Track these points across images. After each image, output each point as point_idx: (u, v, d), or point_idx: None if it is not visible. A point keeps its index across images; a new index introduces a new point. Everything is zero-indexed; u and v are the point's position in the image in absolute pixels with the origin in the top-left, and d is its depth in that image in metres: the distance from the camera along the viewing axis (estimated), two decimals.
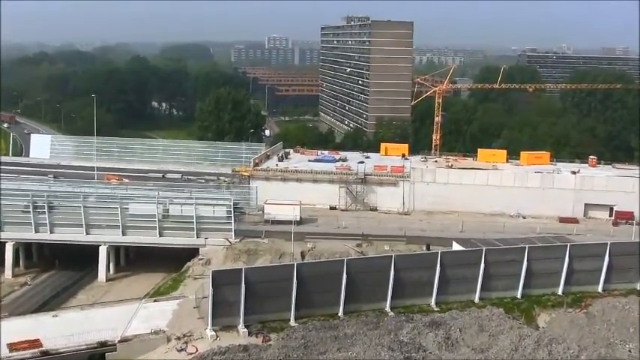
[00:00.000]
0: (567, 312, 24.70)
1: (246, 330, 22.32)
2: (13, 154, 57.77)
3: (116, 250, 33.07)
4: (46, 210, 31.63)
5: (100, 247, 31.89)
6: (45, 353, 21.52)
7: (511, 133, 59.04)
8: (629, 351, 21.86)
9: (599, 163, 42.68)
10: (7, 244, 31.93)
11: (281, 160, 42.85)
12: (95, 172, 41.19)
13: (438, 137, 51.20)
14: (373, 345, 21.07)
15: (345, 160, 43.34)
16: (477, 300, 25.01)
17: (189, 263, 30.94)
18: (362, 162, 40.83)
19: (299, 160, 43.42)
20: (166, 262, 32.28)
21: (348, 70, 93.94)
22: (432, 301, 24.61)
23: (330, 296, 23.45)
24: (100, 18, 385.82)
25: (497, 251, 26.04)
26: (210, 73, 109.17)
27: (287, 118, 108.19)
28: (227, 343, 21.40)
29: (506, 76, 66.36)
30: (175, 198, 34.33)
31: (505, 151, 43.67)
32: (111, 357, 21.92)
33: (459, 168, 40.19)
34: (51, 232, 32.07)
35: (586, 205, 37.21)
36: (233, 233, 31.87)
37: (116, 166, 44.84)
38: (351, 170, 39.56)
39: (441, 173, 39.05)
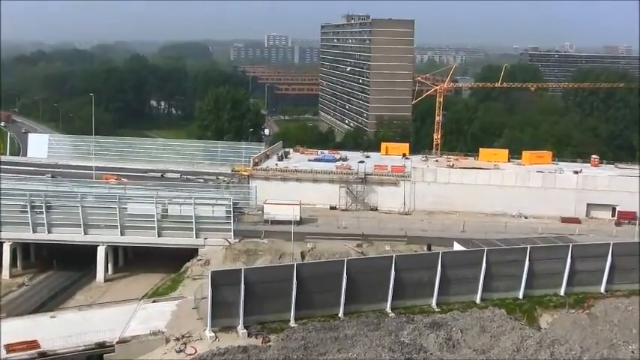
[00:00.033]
0: (570, 313, 24.58)
1: (245, 331, 22.20)
2: (11, 154, 57.66)
3: (114, 251, 32.96)
4: (43, 210, 31.51)
5: (99, 248, 31.79)
6: (43, 354, 21.39)
7: (513, 133, 58.86)
8: (632, 352, 21.73)
9: (602, 163, 42.53)
10: (4, 245, 31.82)
11: (281, 159, 42.73)
12: (93, 172, 41.06)
13: (439, 136, 51.00)
14: (374, 346, 20.96)
15: (345, 159, 43.26)
16: (478, 301, 24.89)
17: (188, 264, 30.81)
18: (362, 161, 40.69)
19: (299, 159, 43.34)
20: (165, 263, 32.17)
21: (349, 68, 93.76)
22: (433, 302, 24.49)
23: (331, 297, 23.34)
24: (99, 17, 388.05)
25: (498, 251, 25.91)
26: (209, 71, 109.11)
27: (287, 118, 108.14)
28: (226, 344, 21.28)
29: (507, 74, 65.78)
30: (174, 198, 34.24)
31: (507, 151, 43.55)
32: (109, 358, 21.80)
33: (460, 167, 40.08)
34: (49, 232, 31.96)
35: (588, 205, 37.11)
36: (232, 233, 31.76)
37: (114, 166, 44.69)
38: (351, 170, 39.46)
39: (442, 173, 38.92)
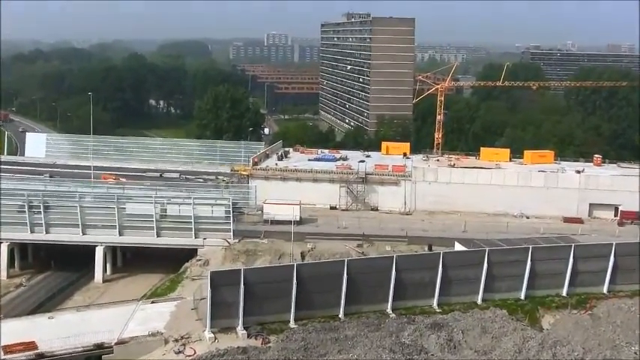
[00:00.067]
0: (572, 313, 24.53)
1: (245, 332, 22.14)
2: (8, 153, 57.72)
3: (113, 251, 32.79)
4: (41, 210, 31.34)
5: (97, 248, 31.65)
6: (40, 356, 21.31)
7: (514, 132, 58.57)
8: (635, 353, 21.69)
9: (604, 162, 42.36)
10: (1, 245, 31.66)
11: (280, 159, 42.50)
12: (92, 172, 40.75)
13: (440, 136, 50.82)
14: (374, 347, 20.87)
15: (345, 159, 43.08)
16: (479, 301, 24.82)
17: (187, 264, 30.66)
18: (363, 161, 40.47)
19: (299, 159, 43.13)
20: (164, 263, 32.03)
21: (349, 67, 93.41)
22: (434, 303, 24.42)
23: (331, 297, 23.27)
24: (97, 15, 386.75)
25: (500, 252, 25.83)
26: (208, 70, 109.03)
27: (286, 117, 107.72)
28: (226, 345, 21.23)
29: (509, 73, 65.73)
30: (173, 198, 34.08)
31: (508, 150, 43.37)
32: (107, 359, 21.67)
33: (461, 167, 39.90)
34: (47, 233, 31.79)
35: (591, 204, 36.95)
36: (232, 233, 31.59)
37: (113, 166, 44.49)
38: (351, 169, 39.29)
39: (443, 172, 38.72)
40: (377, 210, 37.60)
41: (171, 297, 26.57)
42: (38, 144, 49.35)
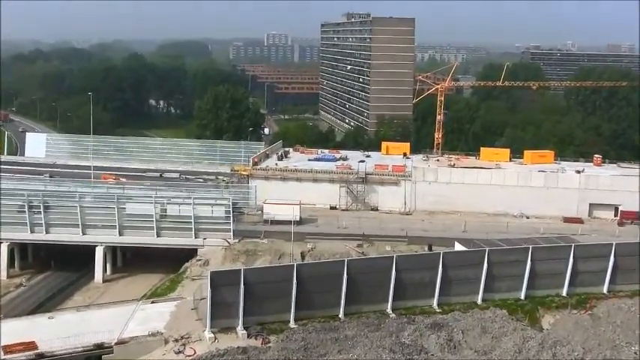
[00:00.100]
0: (572, 313, 24.50)
1: (245, 332, 22.11)
2: (8, 153, 57.63)
3: (113, 251, 32.75)
4: (41, 210, 31.30)
5: (97, 248, 31.61)
6: (40, 356, 21.28)
7: (514, 132, 58.53)
8: (635, 353, 21.66)
9: (604, 162, 42.31)
10: (1, 245, 31.62)
11: (280, 159, 42.46)
12: (92, 172, 40.72)
13: (440, 136, 50.75)
14: (374, 347, 20.85)
15: (345, 159, 43.04)
16: (479, 301, 24.79)
17: (187, 264, 30.61)
18: (363, 161, 40.44)
19: (299, 159, 43.08)
20: (164, 263, 31.98)
21: (349, 67, 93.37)
22: (434, 303, 24.39)
23: (331, 297, 23.24)
24: (97, 15, 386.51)
25: (500, 252, 25.80)
26: (208, 70, 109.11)
27: (286, 117, 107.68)
28: (226, 345, 21.20)
29: (509, 73, 65.64)
30: (173, 198, 34.03)
31: (508, 150, 43.34)
32: (107, 359, 21.62)
33: (461, 167, 39.86)
34: (47, 233, 31.75)
35: (591, 204, 36.90)
36: (232, 233, 31.55)
37: (113, 166, 44.45)
38: (351, 169, 39.26)
39: (443, 172, 38.68)
40: (377, 210, 37.57)
41: (171, 297, 26.55)
42: (38, 144, 49.34)
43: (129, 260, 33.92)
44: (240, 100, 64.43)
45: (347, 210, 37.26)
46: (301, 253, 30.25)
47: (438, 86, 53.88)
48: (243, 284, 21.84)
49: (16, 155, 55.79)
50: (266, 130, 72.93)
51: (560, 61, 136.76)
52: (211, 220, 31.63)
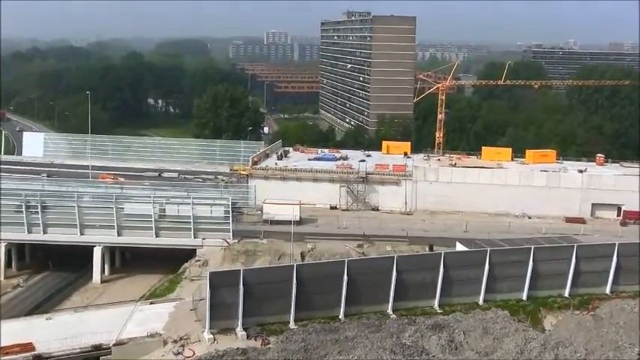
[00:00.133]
0: (574, 314, 24.39)
1: (244, 333, 22.01)
2: (5, 153, 57.08)
3: (111, 251, 32.55)
4: (39, 210, 31.12)
5: (95, 248, 31.42)
6: (38, 357, 21.16)
7: (516, 131, 58.25)
8: (638, 354, 21.54)
9: (607, 162, 42.05)
10: None
11: (280, 158, 42.27)
12: (90, 171, 40.68)
13: (441, 135, 50.50)
14: (375, 348, 20.73)
15: (345, 158, 42.91)
16: (481, 302, 24.68)
17: (186, 264, 30.46)
18: (363, 160, 40.26)
19: (299, 158, 42.91)
20: (163, 264, 31.79)
21: (349, 66, 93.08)
22: (435, 303, 24.28)
23: (331, 298, 23.14)
24: (95, 13, 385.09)
25: (502, 252, 25.68)
26: (207, 69, 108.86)
27: (286, 116, 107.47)
28: (225, 347, 21.11)
29: (511, 72, 65.16)
30: (172, 197, 33.89)
31: (510, 150, 43.13)
32: None
33: (462, 167, 39.68)
34: (44, 233, 31.58)
35: (593, 204, 36.70)
36: (231, 234, 31.38)
37: (111, 165, 44.39)
38: (352, 169, 39.10)
39: (444, 172, 38.51)
40: (377, 210, 37.41)
41: (170, 298, 26.41)
42: (36, 143, 49.13)
43: (127, 261, 33.76)
44: (239, 99, 64.27)
45: (347, 210, 37.12)
46: (301, 254, 30.10)
47: (439, 85, 53.55)
48: (243, 285, 21.74)
49: (13, 155, 55.35)
50: (265, 130, 72.89)
51: (562, 59, 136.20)
52: (210, 220, 31.48)
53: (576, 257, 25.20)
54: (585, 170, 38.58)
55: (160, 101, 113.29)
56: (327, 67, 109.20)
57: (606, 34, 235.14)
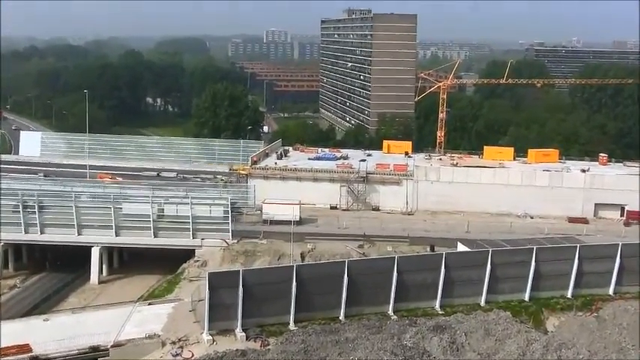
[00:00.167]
0: (577, 315, 24.24)
1: (244, 334, 21.87)
2: (2, 152, 56.84)
3: (109, 252, 32.38)
4: (36, 210, 30.96)
5: (93, 249, 31.22)
6: (35, 358, 21.00)
7: (518, 130, 57.92)
8: None
9: (610, 161, 41.83)
10: None
11: (280, 158, 42.07)
12: (87, 171, 40.62)
13: (443, 134, 50.17)
14: (375, 350, 20.59)
15: (346, 158, 42.73)
16: (483, 303, 24.51)
17: (184, 265, 30.29)
18: (364, 160, 40.09)
19: (298, 158, 42.71)
20: (161, 264, 31.62)
21: (350, 64, 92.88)
22: (437, 304, 24.12)
23: (331, 299, 22.99)
24: (93, 12, 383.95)
25: (504, 252, 25.51)
26: (206, 68, 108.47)
27: (286, 115, 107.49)
28: (224, 348, 20.98)
29: (513, 70, 64.76)
30: (171, 197, 33.78)
31: (512, 149, 42.88)
32: None
33: (464, 166, 39.51)
34: (41, 233, 31.41)
35: (596, 204, 36.48)
36: (230, 234, 31.20)
37: (109, 165, 44.29)
38: (352, 169, 38.93)
39: (445, 172, 38.32)
40: (378, 210, 37.24)
41: (169, 298, 26.24)
42: (33, 143, 48.95)
43: (125, 261, 33.59)
44: (238, 98, 63.97)
45: (348, 210, 36.94)
46: (301, 254, 29.93)
47: (441, 84, 53.09)
48: (242, 285, 21.59)
49: (10, 154, 55.14)
50: (265, 129, 72.64)
51: (565, 58, 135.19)
52: (209, 221, 31.30)
53: (579, 258, 24.99)
54: (588, 170, 38.38)
55: (158, 100, 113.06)
56: (327, 66, 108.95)
57: (609, 33, 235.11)
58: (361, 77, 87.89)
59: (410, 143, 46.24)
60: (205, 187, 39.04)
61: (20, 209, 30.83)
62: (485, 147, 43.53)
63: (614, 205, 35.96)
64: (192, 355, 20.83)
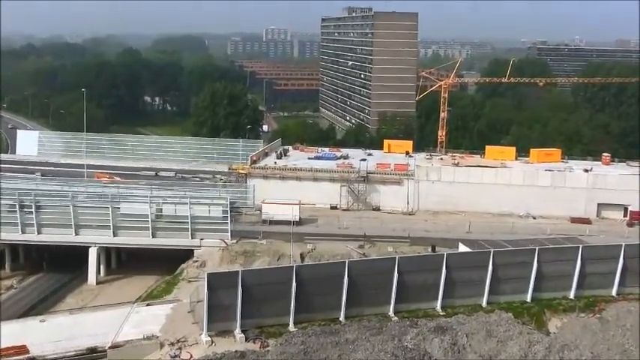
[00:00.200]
0: (580, 317, 24.06)
1: (243, 335, 21.74)
2: None
3: (107, 252, 32.19)
4: (33, 210, 30.70)
5: (90, 249, 31.02)
6: None
7: (520, 130, 57.70)
8: None
9: (613, 161, 41.61)
10: None
11: (280, 157, 41.89)
12: (85, 170, 40.39)
13: (444, 134, 50.06)
14: (376, 351, 20.42)
15: (346, 157, 42.59)
16: (484, 304, 24.34)
17: (183, 265, 30.13)
18: (364, 159, 39.90)
19: (298, 157, 42.55)
20: (159, 265, 31.44)
21: (350, 63, 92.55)
22: (438, 305, 23.97)
23: (331, 300, 22.84)
24: (95, 13, 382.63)
25: (505, 253, 25.37)
26: (205, 66, 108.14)
27: (286, 114, 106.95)
28: (223, 349, 20.83)
29: (515, 69, 64.04)
30: (169, 197, 33.56)
31: (514, 148, 42.69)
32: None
33: (465, 166, 39.33)
34: (38, 233, 31.17)
35: (599, 204, 36.27)
36: (229, 234, 31.01)
37: (107, 164, 44.13)
38: (352, 168, 38.76)
39: (446, 171, 38.13)
40: (379, 210, 37.07)
41: (167, 299, 26.10)
42: (30, 142, 48.80)
43: (123, 261, 33.42)
44: (238, 97, 63.89)
45: (348, 210, 36.79)
46: (301, 254, 29.76)
47: (442, 83, 52.94)
48: (241, 286, 21.42)
49: (6, 153, 54.80)
50: (265, 128, 72.44)
51: (568, 56, 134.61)
52: (208, 221, 31.09)
53: (582, 258, 24.83)
54: (591, 170, 38.19)
55: (156, 99, 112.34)
56: (327, 64, 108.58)
57: (610, 32, 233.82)
58: (362, 76, 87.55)
59: (411, 143, 46.03)
60: (204, 187, 38.90)
61: (17, 209, 30.62)
62: (486, 146, 43.28)
63: (617, 206, 35.83)
64: (191, 357, 20.72)
